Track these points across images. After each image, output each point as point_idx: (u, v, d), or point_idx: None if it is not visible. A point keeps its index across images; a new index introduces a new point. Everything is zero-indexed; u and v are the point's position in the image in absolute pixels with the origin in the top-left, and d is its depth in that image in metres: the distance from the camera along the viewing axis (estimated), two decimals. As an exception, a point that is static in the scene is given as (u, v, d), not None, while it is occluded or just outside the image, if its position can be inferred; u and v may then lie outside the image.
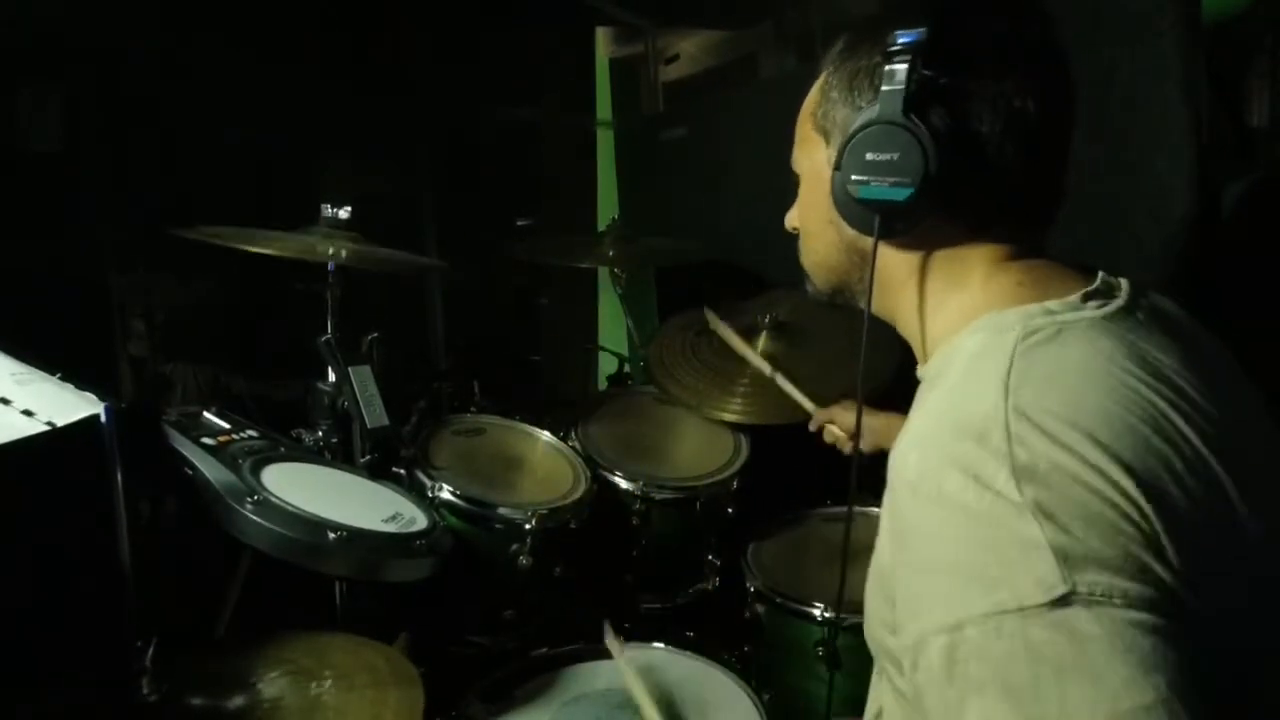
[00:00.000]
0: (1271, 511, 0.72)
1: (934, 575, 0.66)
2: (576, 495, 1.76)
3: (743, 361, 1.97)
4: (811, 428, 1.73)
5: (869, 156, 0.79)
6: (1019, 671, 0.60)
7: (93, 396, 1.19)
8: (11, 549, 1.12)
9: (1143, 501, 0.63)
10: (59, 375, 1.26)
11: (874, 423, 1.51)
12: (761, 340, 1.97)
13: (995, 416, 0.67)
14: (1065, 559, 0.60)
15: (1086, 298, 0.77)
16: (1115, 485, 0.63)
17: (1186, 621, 0.61)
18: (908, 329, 0.90)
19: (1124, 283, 0.82)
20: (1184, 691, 0.58)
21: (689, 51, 3.21)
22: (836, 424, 1.68)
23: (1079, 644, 0.59)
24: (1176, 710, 0.57)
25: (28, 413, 1.12)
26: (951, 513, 0.66)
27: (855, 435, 0.95)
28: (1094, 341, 0.73)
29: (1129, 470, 0.64)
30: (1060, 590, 0.60)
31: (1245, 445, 0.74)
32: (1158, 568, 0.61)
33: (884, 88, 0.78)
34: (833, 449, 1.71)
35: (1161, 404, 0.70)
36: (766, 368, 1.85)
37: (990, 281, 0.82)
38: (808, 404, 1.75)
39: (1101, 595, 0.59)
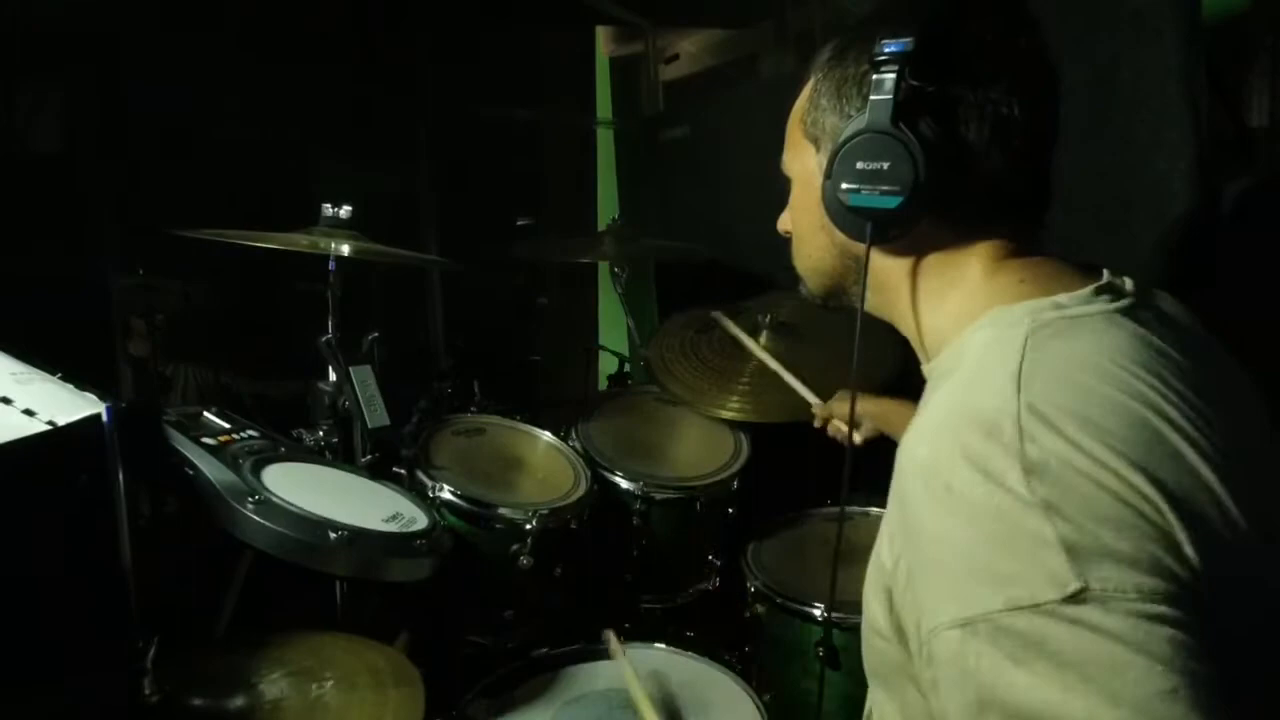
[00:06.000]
0: (1266, 517, 0.72)
1: (946, 572, 0.66)
2: (577, 495, 1.76)
3: (742, 359, 1.97)
4: (816, 424, 1.73)
5: (859, 165, 0.80)
6: (1039, 667, 0.60)
7: (93, 396, 1.19)
8: (11, 549, 1.12)
9: (1155, 497, 0.63)
10: (59, 375, 1.26)
11: (872, 408, 1.51)
12: (763, 340, 1.97)
13: (1007, 411, 0.67)
14: (1076, 555, 0.61)
15: (1097, 292, 0.78)
16: (1126, 481, 0.63)
17: (1203, 614, 0.61)
18: (906, 328, 0.90)
19: (1129, 282, 0.82)
20: (1203, 678, 0.58)
21: (689, 51, 3.21)
22: (834, 415, 1.69)
23: (1097, 638, 0.59)
24: (1197, 696, 0.58)
25: (29, 412, 1.12)
26: (962, 509, 0.66)
27: (849, 427, 0.96)
28: (1104, 336, 0.74)
29: (1138, 467, 0.64)
30: (1074, 586, 0.60)
31: (1243, 449, 0.74)
32: (1171, 562, 0.62)
33: (872, 96, 0.79)
34: (833, 446, 1.71)
35: (1173, 397, 0.70)
36: (772, 362, 1.85)
37: (991, 279, 0.82)
38: (811, 398, 1.76)
39: (1115, 590, 0.60)
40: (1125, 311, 0.77)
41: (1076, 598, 0.60)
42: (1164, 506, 0.63)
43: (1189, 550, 0.62)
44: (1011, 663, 0.61)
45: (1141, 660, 0.58)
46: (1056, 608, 0.60)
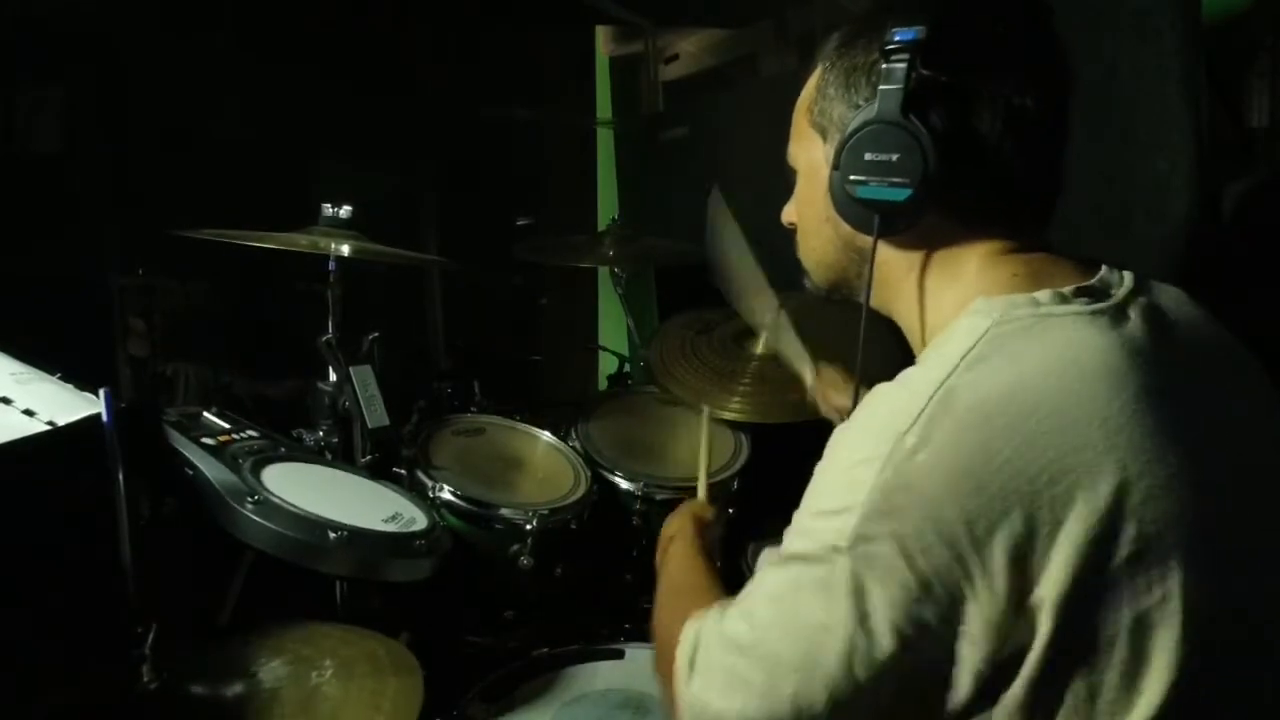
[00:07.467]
0: (1258, 522, 0.72)
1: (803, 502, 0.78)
2: (576, 495, 1.76)
3: (742, 360, 1.97)
4: (809, 400, 1.69)
5: (868, 156, 0.79)
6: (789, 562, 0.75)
7: (92, 396, 1.19)
8: (11, 549, 1.12)
9: (1001, 525, 0.66)
10: (59, 375, 1.26)
11: None
12: (762, 340, 1.97)
13: (924, 391, 0.70)
14: (860, 530, 0.69)
15: (1078, 293, 0.76)
16: (986, 496, 0.66)
17: (956, 639, 0.68)
18: (905, 323, 0.90)
19: (1126, 278, 0.80)
20: (891, 662, 0.68)
21: (689, 51, 3.21)
22: (833, 404, 1.66)
23: (825, 585, 0.70)
24: (858, 675, 0.68)
25: (28, 412, 1.12)
26: (835, 464, 0.75)
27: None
28: (1071, 338, 0.72)
29: (1020, 483, 0.66)
30: (842, 543, 0.70)
31: (1234, 452, 0.74)
32: (959, 598, 0.67)
33: (882, 87, 0.78)
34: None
35: (1129, 406, 0.68)
36: (775, 304, 1.71)
37: (984, 273, 0.81)
38: (806, 370, 1.64)
39: (874, 570, 0.68)
40: (1103, 314, 0.75)
41: (839, 549, 0.70)
42: (1003, 539, 0.66)
43: (1004, 589, 0.66)
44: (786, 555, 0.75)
45: (843, 613, 0.68)
46: (826, 552, 0.71)
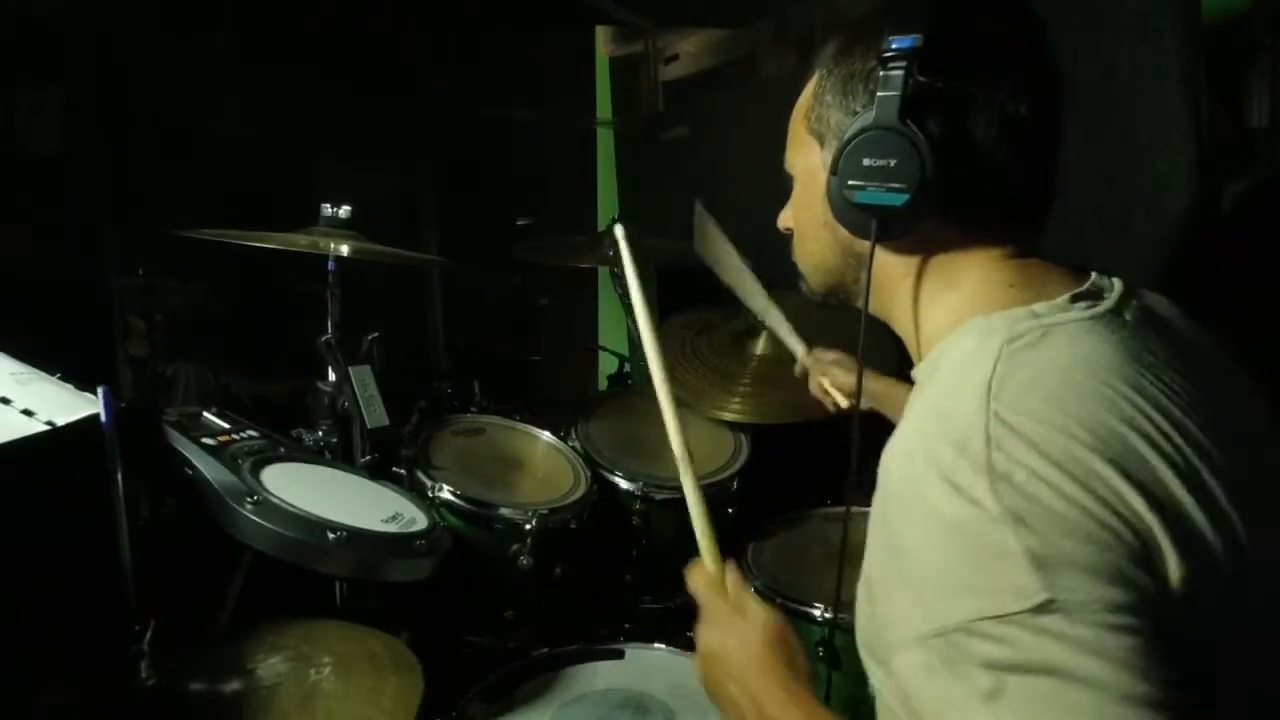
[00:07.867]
0: (1258, 518, 0.72)
1: (919, 585, 0.67)
2: (576, 495, 1.76)
3: (743, 360, 1.97)
4: (797, 371, 1.69)
5: (865, 162, 0.80)
6: (1007, 676, 0.61)
7: (92, 397, 1.19)
8: (12, 549, 1.12)
9: (1132, 499, 0.64)
10: (59, 375, 1.26)
11: (876, 386, 1.47)
12: (762, 340, 1.97)
13: (976, 422, 0.68)
14: (1042, 567, 0.61)
15: (1074, 299, 0.77)
16: (1092, 493, 0.64)
17: (1168, 624, 0.62)
18: (902, 328, 0.90)
19: (1116, 283, 0.81)
20: (1166, 685, 0.59)
21: (689, 51, 3.21)
22: (834, 383, 1.64)
23: (1064, 647, 0.60)
24: (1161, 702, 0.59)
25: (28, 412, 1.12)
26: (933, 524, 0.66)
27: (854, 426, 0.95)
28: (1078, 344, 0.73)
29: (1116, 469, 0.65)
30: (1040, 597, 0.61)
31: (1235, 449, 0.74)
32: (1135, 573, 0.62)
33: (880, 93, 0.78)
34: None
35: (1146, 407, 0.69)
36: (763, 296, 1.74)
37: (980, 283, 0.82)
38: (798, 347, 1.69)
39: (1082, 601, 0.60)
40: (1102, 318, 0.76)
41: (1044, 608, 0.60)
42: (1139, 507, 0.64)
43: (1160, 556, 0.63)
44: (979, 670, 0.62)
45: (1107, 669, 0.59)
46: (1025, 618, 0.61)
